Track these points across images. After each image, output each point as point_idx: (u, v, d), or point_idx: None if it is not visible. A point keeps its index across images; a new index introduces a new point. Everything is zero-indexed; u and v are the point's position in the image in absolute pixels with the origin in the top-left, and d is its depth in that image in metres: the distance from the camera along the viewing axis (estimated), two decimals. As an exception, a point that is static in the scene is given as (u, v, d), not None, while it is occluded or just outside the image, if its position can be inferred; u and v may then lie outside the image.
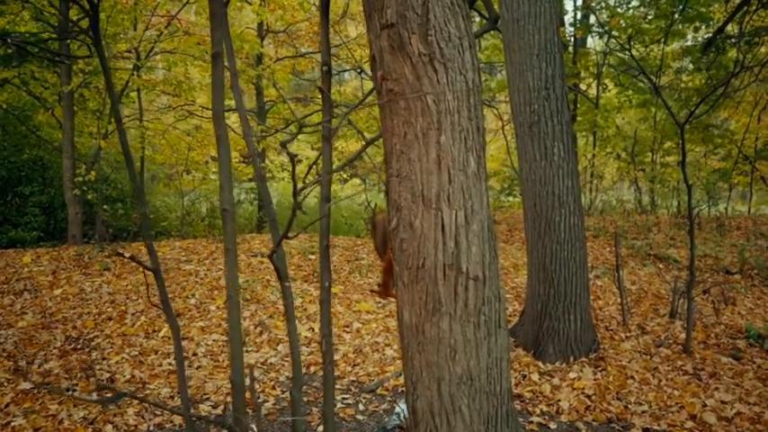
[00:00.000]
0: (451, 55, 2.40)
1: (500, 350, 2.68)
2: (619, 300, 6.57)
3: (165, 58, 10.07)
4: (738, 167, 14.25)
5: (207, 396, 4.24)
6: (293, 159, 1.61)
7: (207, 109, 12.78)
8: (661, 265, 8.43)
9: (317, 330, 5.48)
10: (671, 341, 5.17)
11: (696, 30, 14.09)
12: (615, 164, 15.26)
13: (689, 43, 14.25)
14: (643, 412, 3.92)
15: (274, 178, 15.23)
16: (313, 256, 7.80)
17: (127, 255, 1.92)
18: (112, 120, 10.26)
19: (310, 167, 4.01)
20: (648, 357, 4.80)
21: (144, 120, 10.96)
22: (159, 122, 11.69)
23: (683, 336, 5.29)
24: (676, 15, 12.53)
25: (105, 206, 9.84)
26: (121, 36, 10.44)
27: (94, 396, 3.66)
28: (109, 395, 3.12)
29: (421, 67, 2.37)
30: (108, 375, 4.51)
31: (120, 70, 10.37)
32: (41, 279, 6.65)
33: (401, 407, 3.93)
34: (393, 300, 2.78)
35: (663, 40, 12.96)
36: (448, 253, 2.46)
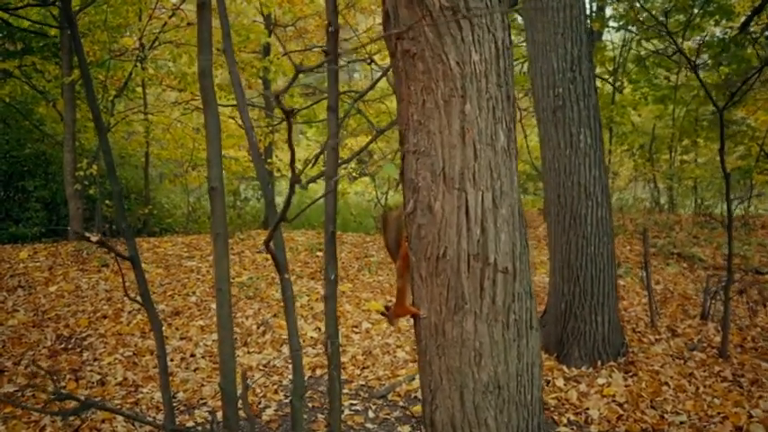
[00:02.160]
0: (478, 9, 2.05)
1: (531, 354, 2.33)
2: (644, 300, 6.20)
3: (169, 49, 9.76)
4: (759, 165, 13.79)
5: (204, 401, 3.92)
6: (289, 116, 1.27)
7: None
8: (685, 265, 8.03)
9: (323, 330, 5.15)
10: (705, 344, 4.79)
11: (717, 23, 13.63)
12: (630, 161, 14.83)
13: (708, 37, 13.81)
14: (681, 423, 3.56)
15: (284, 177, 14.93)
16: (320, 254, 7.46)
17: (94, 239, 1.59)
18: (115, 113, 10.00)
19: (317, 156, 3.68)
20: (682, 362, 4.43)
21: (148, 113, 10.65)
22: (164, 116, 11.40)
23: (718, 339, 4.92)
24: (696, 10, 12.10)
25: (107, 201, 9.55)
26: (125, 30, 10.17)
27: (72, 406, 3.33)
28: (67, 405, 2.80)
29: (443, 23, 2.02)
30: (98, 377, 4.20)
31: (125, 61, 10.07)
32: (37, 275, 6.37)
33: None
34: (407, 318, 2.39)
35: (682, 34, 12.53)
36: (473, 241, 2.11)
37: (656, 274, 7.39)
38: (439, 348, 2.22)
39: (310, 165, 5.32)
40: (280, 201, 15.76)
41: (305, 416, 3.75)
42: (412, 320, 2.41)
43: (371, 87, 3.08)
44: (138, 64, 9.46)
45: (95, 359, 4.54)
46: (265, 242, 2.04)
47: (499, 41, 2.10)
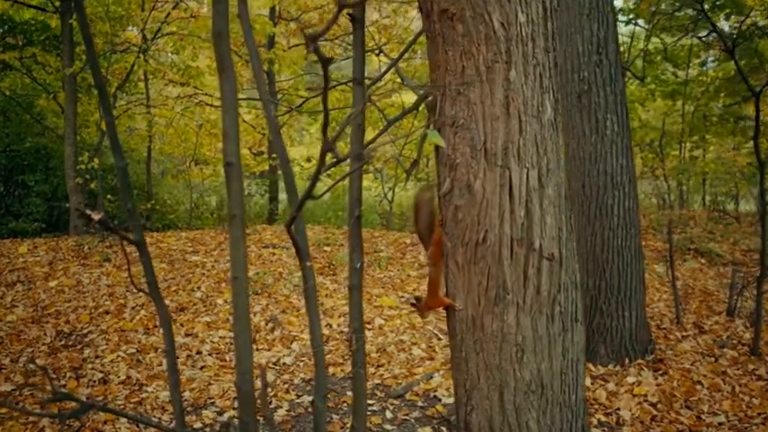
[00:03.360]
0: (525, -36, 1.84)
1: (576, 350, 2.12)
2: (665, 296, 5.99)
3: (172, 41, 9.54)
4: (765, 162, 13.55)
5: (212, 400, 3.71)
6: (326, 66, 1.06)
7: (215, 97, 12.31)
8: (703, 260, 7.81)
9: (334, 327, 4.94)
10: (735, 342, 4.58)
11: (728, 17, 13.39)
12: (638, 157, 14.58)
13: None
14: (720, 424, 3.35)
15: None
16: (328, 248, 7.26)
17: (96, 216, 1.38)
18: (117, 106, 9.80)
19: (341, 129, 3.48)
20: (713, 360, 4.22)
21: (150, 105, 10.44)
22: (167, 110, 11.18)
23: (747, 336, 4.71)
24: (707, 5, 11.88)
25: (109, 196, 9.35)
26: (127, 23, 9.97)
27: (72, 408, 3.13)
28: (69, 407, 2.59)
29: (486, -20, 1.82)
30: (101, 376, 4.00)
31: (128, 53, 9.86)
32: (36, 270, 6.16)
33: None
34: (441, 310, 2.18)
35: (691, 30, 12.29)
36: (516, 224, 1.90)
37: (675, 270, 7.17)
38: (476, 343, 2.02)
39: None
40: (283, 197, 15.52)
41: (319, 416, 3.54)
42: (444, 313, 2.21)
43: (387, 71, 2.86)
44: (141, 55, 9.25)
45: (97, 356, 4.34)
46: (287, 225, 1.83)
47: (547, 1, 1.89)
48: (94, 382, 3.92)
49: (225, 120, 1.71)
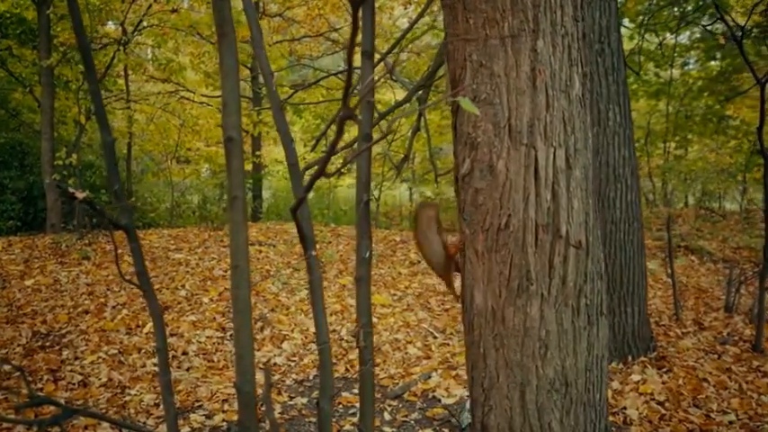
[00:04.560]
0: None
1: (601, 345, 1.97)
2: (659, 292, 5.91)
3: (153, 33, 9.28)
4: (751, 161, 13.68)
5: (200, 403, 3.52)
6: (356, 6, 0.90)
7: (197, 94, 12.06)
8: (693, 257, 7.77)
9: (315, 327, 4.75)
10: (736, 338, 4.49)
11: (711, 17, 13.46)
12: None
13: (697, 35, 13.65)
14: (731, 423, 3.23)
15: (270, 173, 14.48)
16: (318, 246, 7.06)
17: (80, 195, 1.19)
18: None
19: (329, 125, 3.32)
20: (716, 357, 4.12)
21: (131, 100, 10.15)
22: (148, 105, 10.90)
23: (748, 332, 4.63)
24: (689, 7, 11.92)
25: (88, 193, 9.04)
26: (106, 18, 9.67)
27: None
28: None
29: (511, -60, 1.66)
30: (80, 378, 3.77)
31: (107, 46, 9.57)
32: (11, 269, 5.89)
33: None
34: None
35: (675, 29, 12.33)
36: (542, 208, 1.75)
37: (667, 267, 7.11)
38: (496, 339, 1.86)
39: (320, 139, 4.90)
40: (266, 195, 15.23)
41: (314, 419, 3.37)
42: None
43: (378, 62, 2.70)
44: (121, 48, 8.97)
45: (76, 358, 4.11)
46: (293, 209, 1.66)
47: (576, -35, 1.75)
48: (74, 384, 3.70)
49: (224, 88, 1.54)
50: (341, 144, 4.87)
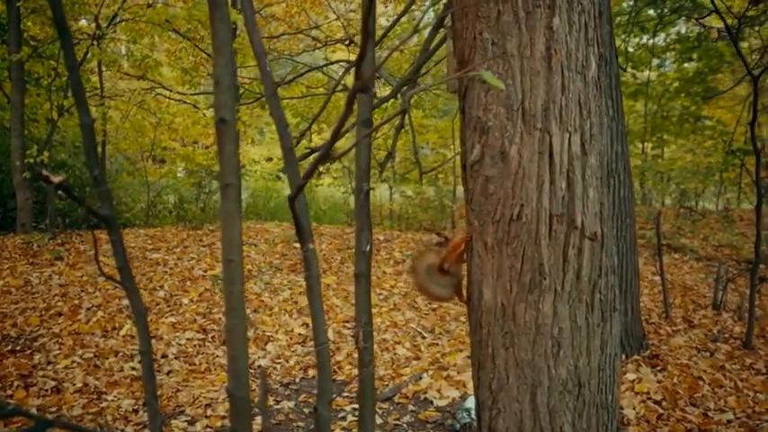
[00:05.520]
0: None
1: (614, 343, 1.87)
2: (646, 290, 5.88)
3: (128, 27, 9.02)
4: (727, 161, 13.86)
5: (181, 408, 3.35)
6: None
7: (174, 91, 11.79)
8: (676, 255, 7.78)
9: (311, 326, 4.61)
10: (726, 335, 4.46)
11: (688, 19, 13.60)
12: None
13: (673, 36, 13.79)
14: (729, 422, 3.17)
15: (248, 173, 14.24)
16: (299, 244, 6.90)
17: (56, 180, 1.04)
18: (69, 95, 9.19)
19: (317, 116, 3.17)
20: (708, 354, 4.07)
21: (105, 96, 9.87)
22: (123, 102, 10.61)
23: (737, 329, 4.61)
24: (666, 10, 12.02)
25: (60, 192, 8.75)
26: (79, 13, 9.39)
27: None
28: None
29: None
30: (53, 384, 3.58)
31: (81, 40, 9.27)
32: (-21, 270, 5.63)
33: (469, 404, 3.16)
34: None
35: (653, 30, 12.42)
36: (556, 197, 1.64)
37: (651, 266, 7.11)
38: (506, 337, 1.75)
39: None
40: (245, 195, 15.01)
41: (301, 423, 3.23)
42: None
43: (385, 34, 2.58)
44: (95, 43, 8.69)
45: (49, 362, 3.90)
46: (291, 198, 1.53)
47: (592, -62, 1.64)
48: (46, 390, 3.50)
49: (217, 64, 1.40)
50: (321, 142, 4.72)
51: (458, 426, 3.09)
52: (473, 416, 2.88)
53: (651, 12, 12.14)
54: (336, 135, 1.26)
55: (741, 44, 11.96)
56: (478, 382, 1.88)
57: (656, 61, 14.05)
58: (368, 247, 1.83)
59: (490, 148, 1.65)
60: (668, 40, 14.26)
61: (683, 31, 13.76)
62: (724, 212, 10.39)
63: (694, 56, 13.23)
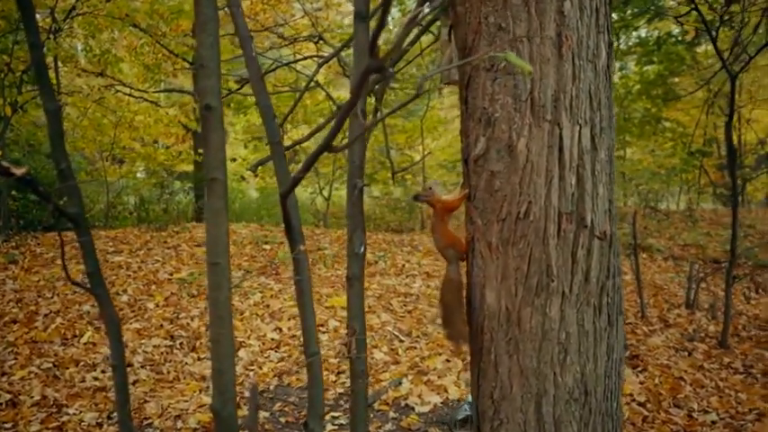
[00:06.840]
0: None
1: (620, 348, 1.78)
2: (624, 290, 5.88)
3: (86, 21, 8.66)
4: (688, 162, 14.16)
5: (149, 421, 3.15)
6: None
7: (134, 89, 11.40)
8: (644, 255, 7.85)
9: (284, 331, 4.46)
10: (702, 335, 4.47)
11: (650, 22, 13.84)
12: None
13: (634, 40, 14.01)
14: (714, 423, 3.15)
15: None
16: (267, 246, 6.72)
17: (18, 172, 0.89)
18: (23, 91, 8.77)
19: (300, 98, 3.03)
20: (686, 354, 4.07)
21: (62, 92, 9.46)
22: (81, 98, 10.19)
23: (712, 328, 4.63)
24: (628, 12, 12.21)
25: (14, 192, 8.34)
26: (35, 3, 8.96)
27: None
28: None
29: None
30: (8, 397, 3.33)
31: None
32: (-75, 275, 5.28)
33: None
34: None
35: (615, 34, 12.60)
36: (566, 194, 1.55)
37: (622, 265, 7.16)
38: (510, 343, 1.64)
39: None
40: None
41: (279, 434, 3.07)
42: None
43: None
44: (51, 37, 8.31)
45: (3, 374, 3.64)
46: (283, 194, 1.39)
47: None
48: (1, 404, 3.26)
49: (202, 44, 1.25)
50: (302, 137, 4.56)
51: (457, 418, 3.01)
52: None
53: (614, 15, 12.31)
54: (341, 122, 1.13)
55: (698, 48, 12.22)
56: (479, 392, 1.77)
57: (618, 64, 14.27)
58: (362, 249, 1.70)
59: (496, 141, 1.54)
60: (629, 43, 14.52)
61: (643, 34, 14.01)
62: (687, 212, 10.57)
63: (655, 59, 13.49)
